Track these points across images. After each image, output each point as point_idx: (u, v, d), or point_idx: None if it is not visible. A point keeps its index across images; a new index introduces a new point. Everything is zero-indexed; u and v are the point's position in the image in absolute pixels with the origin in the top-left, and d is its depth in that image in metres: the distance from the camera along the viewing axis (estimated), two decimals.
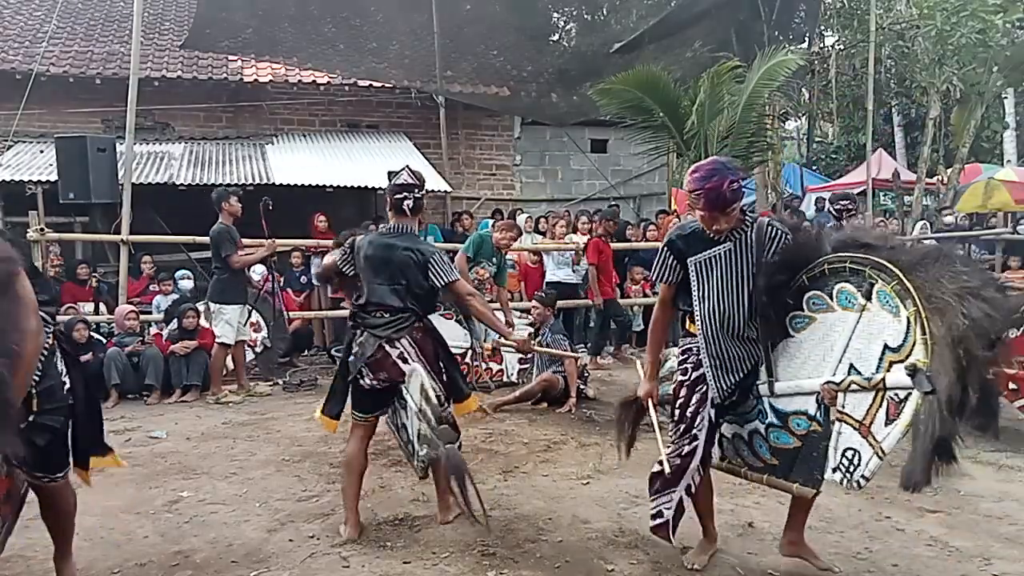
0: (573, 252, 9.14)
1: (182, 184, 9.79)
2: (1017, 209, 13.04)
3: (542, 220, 10.51)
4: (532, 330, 6.80)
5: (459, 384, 3.69)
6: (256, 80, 11.73)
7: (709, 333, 3.02)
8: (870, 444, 2.64)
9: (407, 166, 3.75)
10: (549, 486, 4.25)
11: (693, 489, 3.12)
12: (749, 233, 3.00)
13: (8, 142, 10.38)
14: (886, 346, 2.63)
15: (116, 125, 10.20)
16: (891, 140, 18.61)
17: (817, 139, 20.16)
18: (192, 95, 11.59)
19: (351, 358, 3.55)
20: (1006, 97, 15.68)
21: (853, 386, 2.71)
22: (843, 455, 2.73)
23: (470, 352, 6.82)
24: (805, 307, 2.92)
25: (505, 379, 7.14)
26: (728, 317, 2.99)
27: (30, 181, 9.24)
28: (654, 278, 3.28)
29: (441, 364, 3.63)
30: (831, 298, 2.83)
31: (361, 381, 3.53)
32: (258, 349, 7.53)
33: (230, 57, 11.98)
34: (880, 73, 13.86)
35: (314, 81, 11.86)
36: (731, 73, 9.78)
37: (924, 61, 12.52)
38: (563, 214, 10.90)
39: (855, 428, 2.70)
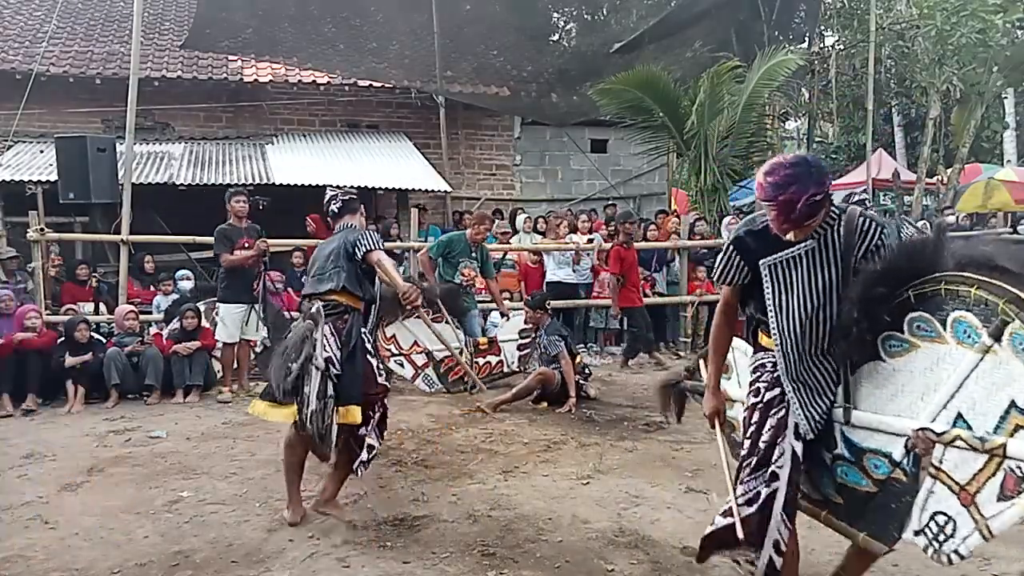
0: (573, 252, 9.15)
1: (182, 184, 9.80)
2: (1017, 209, 13.05)
3: (541, 220, 10.51)
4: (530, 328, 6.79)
5: (349, 389, 3.60)
6: (256, 80, 11.73)
7: (789, 350, 2.50)
8: (972, 517, 2.12)
9: (328, 186, 4.22)
10: (549, 486, 4.25)
11: (783, 547, 2.46)
12: (836, 227, 2.47)
13: (8, 142, 10.38)
14: (1013, 403, 2.08)
15: (116, 125, 10.21)
16: (891, 140, 18.59)
17: (817, 139, 20.12)
18: (192, 95, 11.60)
19: (283, 338, 3.75)
20: (1006, 97, 15.68)
21: (959, 441, 2.18)
22: (932, 519, 2.22)
23: (464, 352, 6.81)
24: (906, 329, 2.36)
25: (506, 369, 7.11)
26: (811, 330, 2.48)
27: (30, 181, 9.25)
28: (716, 277, 2.69)
29: (344, 360, 3.61)
30: (944, 326, 2.27)
31: (288, 362, 3.56)
32: (258, 349, 7.54)
33: (230, 57, 11.99)
34: (880, 73, 13.86)
35: (314, 81, 11.87)
36: (731, 73, 9.79)
37: (924, 61, 12.52)
38: (565, 214, 10.91)
39: (953, 491, 2.19)
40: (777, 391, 2.55)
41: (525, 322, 6.78)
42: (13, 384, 6.40)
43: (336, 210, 4.01)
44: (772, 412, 2.54)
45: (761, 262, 2.52)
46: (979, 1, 11.66)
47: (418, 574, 3.17)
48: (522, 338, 7.03)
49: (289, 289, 8.74)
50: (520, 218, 10.43)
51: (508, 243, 9.55)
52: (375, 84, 12.14)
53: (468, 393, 6.64)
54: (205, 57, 11.97)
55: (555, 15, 13.76)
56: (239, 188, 7.02)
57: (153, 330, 7.66)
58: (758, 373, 2.65)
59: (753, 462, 2.52)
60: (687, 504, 3.93)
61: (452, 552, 3.36)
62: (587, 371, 6.74)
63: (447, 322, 6.70)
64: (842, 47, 15.17)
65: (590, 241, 9.38)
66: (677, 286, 9.24)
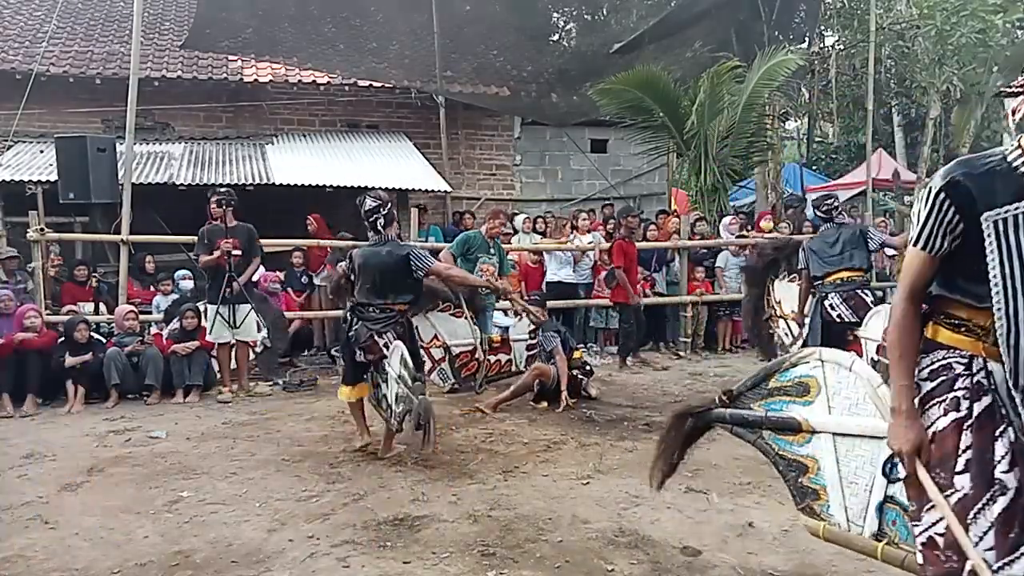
0: (573, 252, 9.15)
1: (182, 184, 9.80)
2: None
3: (540, 220, 10.51)
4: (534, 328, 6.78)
5: None
6: (256, 80, 11.73)
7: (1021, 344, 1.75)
8: None
9: (366, 193, 4.70)
10: (549, 486, 4.25)
11: None
12: None
13: (8, 142, 10.38)
14: None
15: (116, 125, 10.20)
16: (891, 140, 18.59)
17: (817, 139, 20.14)
18: (192, 95, 11.59)
19: (349, 337, 4.66)
20: (1007, 97, 15.68)
21: None
22: None
23: (478, 349, 6.78)
24: None
25: (514, 368, 6.99)
26: None
27: (30, 181, 9.24)
28: (911, 239, 1.91)
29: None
30: None
31: (356, 356, 4.67)
32: (258, 349, 7.54)
33: (230, 57, 11.99)
34: (880, 73, 13.85)
35: (314, 81, 11.86)
36: (731, 73, 9.80)
37: (924, 61, 12.52)
38: (574, 214, 10.91)
39: None
40: (988, 399, 1.81)
41: (531, 321, 6.77)
42: (13, 384, 6.40)
43: (382, 226, 4.62)
44: (998, 431, 1.77)
45: (985, 216, 1.77)
46: (979, 1, 11.67)
47: (418, 574, 3.17)
48: (531, 338, 7.00)
49: (289, 289, 8.75)
50: (519, 218, 10.42)
51: (508, 243, 9.54)
52: (375, 84, 12.14)
53: (475, 392, 6.63)
54: (205, 57, 11.97)
55: (555, 15, 13.76)
56: (214, 190, 6.98)
57: (153, 330, 7.66)
58: (941, 379, 1.89)
59: (1003, 508, 1.70)
60: (687, 504, 3.93)
61: (452, 552, 3.35)
62: (588, 368, 6.71)
63: (465, 318, 6.67)
64: (842, 47, 15.17)
65: (590, 242, 9.37)
66: (677, 286, 9.24)
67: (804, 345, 6.14)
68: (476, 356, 6.77)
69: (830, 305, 5.78)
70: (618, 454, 4.87)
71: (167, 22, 13.46)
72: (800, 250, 6.26)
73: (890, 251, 10.10)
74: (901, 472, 1.94)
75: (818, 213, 6.15)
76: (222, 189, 7.04)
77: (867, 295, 5.83)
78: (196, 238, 6.89)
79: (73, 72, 11.02)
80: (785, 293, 6.85)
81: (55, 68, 10.93)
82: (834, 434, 2.25)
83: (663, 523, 3.67)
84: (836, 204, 6.15)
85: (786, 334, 6.85)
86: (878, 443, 2.12)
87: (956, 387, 1.85)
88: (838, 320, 5.76)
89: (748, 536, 3.53)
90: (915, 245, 1.88)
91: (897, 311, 1.94)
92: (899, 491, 2.09)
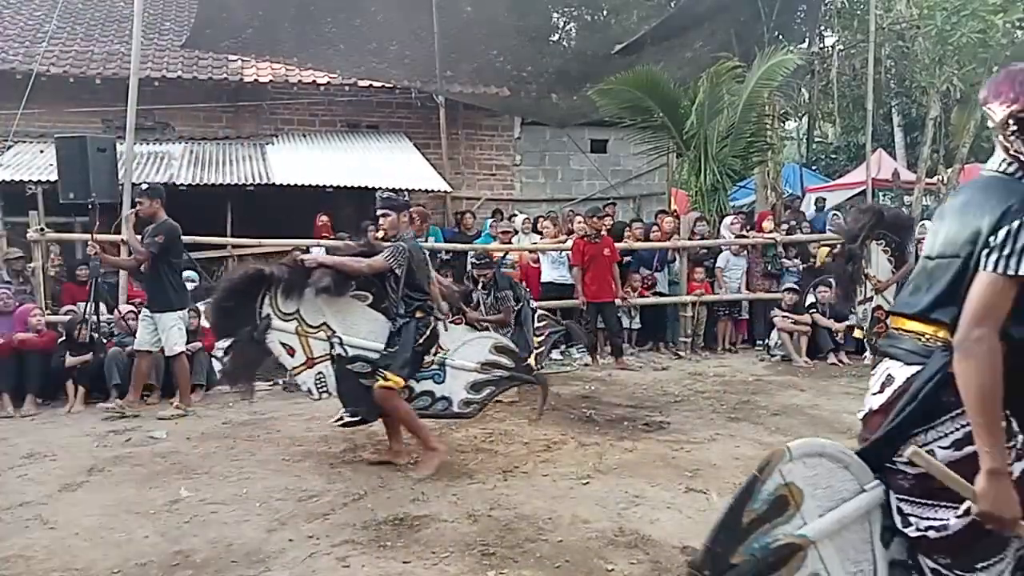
0: (568, 252, 9.15)
1: (182, 184, 9.80)
2: None
3: (541, 220, 10.50)
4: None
5: None
6: (256, 80, 11.74)
7: None
8: None
9: (383, 190, 4.81)
10: (549, 486, 4.24)
11: None
12: None
13: (8, 142, 10.38)
14: None
15: (116, 125, 10.20)
16: (891, 140, 18.58)
17: (817, 139, 20.14)
18: (192, 95, 11.59)
19: (428, 336, 4.55)
20: None
21: None
22: None
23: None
24: None
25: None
26: None
27: (30, 181, 9.25)
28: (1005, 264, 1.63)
29: None
30: None
31: (426, 356, 4.65)
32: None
33: (230, 57, 12.00)
34: (880, 73, 13.85)
35: (314, 81, 11.87)
36: (731, 73, 9.81)
37: (924, 61, 12.52)
38: (567, 214, 10.92)
39: None
40: None
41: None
42: (13, 384, 6.40)
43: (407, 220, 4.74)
44: None
45: None
46: (979, 1, 11.66)
47: (418, 574, 3.17)
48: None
49: None
50: (519, 218, 10.43)
51: (509, 243, 9.54)
52: (375, 84, 12.15)
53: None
54: (205, 57, 11.97)
55: (555, 15, 13.77)
56: (142, 189, 6.52)
57: None
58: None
59: None
60: (687, 504, 3.93)
61: (452, 552, 3.36)
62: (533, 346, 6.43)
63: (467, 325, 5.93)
64: (842, 47, 15.18)
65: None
66: (678, 286, 9.24)
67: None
68: None
69: None
70: (618, 454, 4.87)
71: (167, 22, 13.47)
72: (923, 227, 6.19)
73: None
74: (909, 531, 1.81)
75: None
76: (144, 185, 6.65)
77: None
78: (186, 239, 6.64)
79: (73, 72, 11.03)
80: (876, 257, 6.66)
81: (55, 68, 10.93)
82: (829, 534, 1.84)
83: (663, 523, 3.68)
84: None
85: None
86: (865, 517, 1.87)
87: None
88: None
89: None
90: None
91: (980, 352, 1.64)
92: (898, 553, 1.89)
